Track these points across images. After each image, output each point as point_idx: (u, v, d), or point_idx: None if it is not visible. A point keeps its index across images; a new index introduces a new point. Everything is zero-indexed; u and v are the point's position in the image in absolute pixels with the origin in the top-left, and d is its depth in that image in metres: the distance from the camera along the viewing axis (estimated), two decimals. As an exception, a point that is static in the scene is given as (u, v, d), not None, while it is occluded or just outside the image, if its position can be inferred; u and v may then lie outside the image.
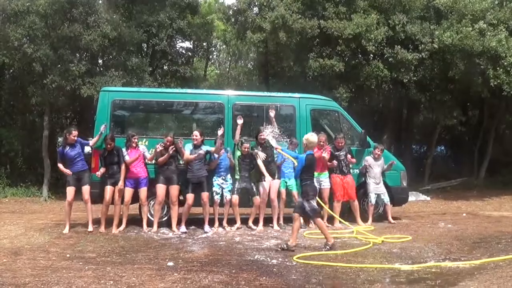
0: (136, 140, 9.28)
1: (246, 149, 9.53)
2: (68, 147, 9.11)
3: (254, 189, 9.61)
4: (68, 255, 7.01)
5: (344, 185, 10.13)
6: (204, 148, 9.34)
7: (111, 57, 17.57)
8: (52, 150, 18.30)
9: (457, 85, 17.21)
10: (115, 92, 10.51)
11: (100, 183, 9.28)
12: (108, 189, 9.11)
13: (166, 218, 9.66)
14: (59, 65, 15.39)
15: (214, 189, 9.50)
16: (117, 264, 6.48)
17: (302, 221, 9.78)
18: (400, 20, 16.67)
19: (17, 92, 18.49)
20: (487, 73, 14.98)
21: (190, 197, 9.21)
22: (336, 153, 10.19)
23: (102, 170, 9.14)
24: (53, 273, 5.89)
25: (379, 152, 10.48)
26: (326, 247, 7.46)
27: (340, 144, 10.19)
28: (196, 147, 9.29)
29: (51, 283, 5.45)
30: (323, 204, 9.37)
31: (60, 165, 9.17)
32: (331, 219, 10.17)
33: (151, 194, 9.41)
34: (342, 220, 9.71)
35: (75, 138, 9.13)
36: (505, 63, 14.75)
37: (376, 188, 10.39)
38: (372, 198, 10.37)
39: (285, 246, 7.46)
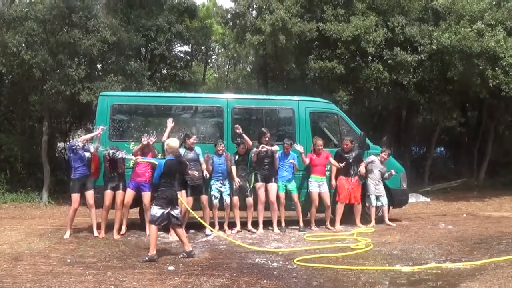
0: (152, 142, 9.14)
1: (243, 150, 9.57)
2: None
3: (249, 188, 9.63)
4: (68, 260, 7.02)
5: (350, 187, 10.08)
6: (197, 150, 9.36)
7: (110, 62, 17.55)
8: (52, 155, 18.31)
9: (456, 86, 17.21)
10: (114, 97, 10.51)
11: (101, 188, 9.27)
12: (108, 193, 9.11)
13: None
14: (58, 71, 15.38)
15: (212, 193, 9.49)
16: (117, 268, 6.49)
17: (301, 224, 9.91)
18: (399, 22, 16.69)
19: (16, 97, 18.47)
20: (485, 74, 14.98)
21: (189, 200, 9.20)
22: (345, 155, 10.16)
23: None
24: (54, 278, 5.89)
25: (385, 156, 10.48)
26: (184, 254, 7.14)
27: (346, 146, 10.16)
28: (190, 149, 9.30)
29: (52, 289, 5.46)
30: (188, 208, 8.97)
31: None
32: (332, 221, 10.17)
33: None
34: (209, 227, 9.15)
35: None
36: (504, 63, 14.77)
37: (376, 190, 10.39)
38: (373, 200, 10.37)
39: (146, 258, 6.94)
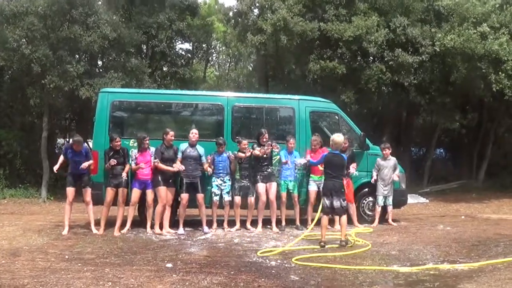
0: (147, 142, 9.18)
1: (244, 146, 9.44)
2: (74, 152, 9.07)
3: (251, 188, 9.59)
4: (66, 256, 7.01)
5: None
6: (199, 149, 9.34)
7: (110, 58, 17.55)
8: (51, 151, 18.30)
9: (456, 88, 17.14)
10: (114, 93, 10.49)
11: (101, 184, 9.28)
12: (110, 190, 9.07)
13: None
14: (57, 66, 15.35)
15: (212, 190, 9.46)
16: (115, 265, 6.48)
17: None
18: (400, 23, 16.63)
19: (16, 93, 18.45)
20: (489, 78, 14.89)
21: (184, 196, 9.21)
22: None
23: (112, 161, 8.95)
24: (51, 274, 5.89)
25: (388, 151, 10.46)
26: None
27: (344, 145, 10.09)
28: (192, 146, 9.29)
29: (50, 284, 5.45)
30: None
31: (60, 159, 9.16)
32: (331, 221, 10.16)
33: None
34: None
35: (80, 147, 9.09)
36: (507, 67, 14.69)
37: (384, 191, 10.39)
38: (380, 201, 10.37)
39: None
